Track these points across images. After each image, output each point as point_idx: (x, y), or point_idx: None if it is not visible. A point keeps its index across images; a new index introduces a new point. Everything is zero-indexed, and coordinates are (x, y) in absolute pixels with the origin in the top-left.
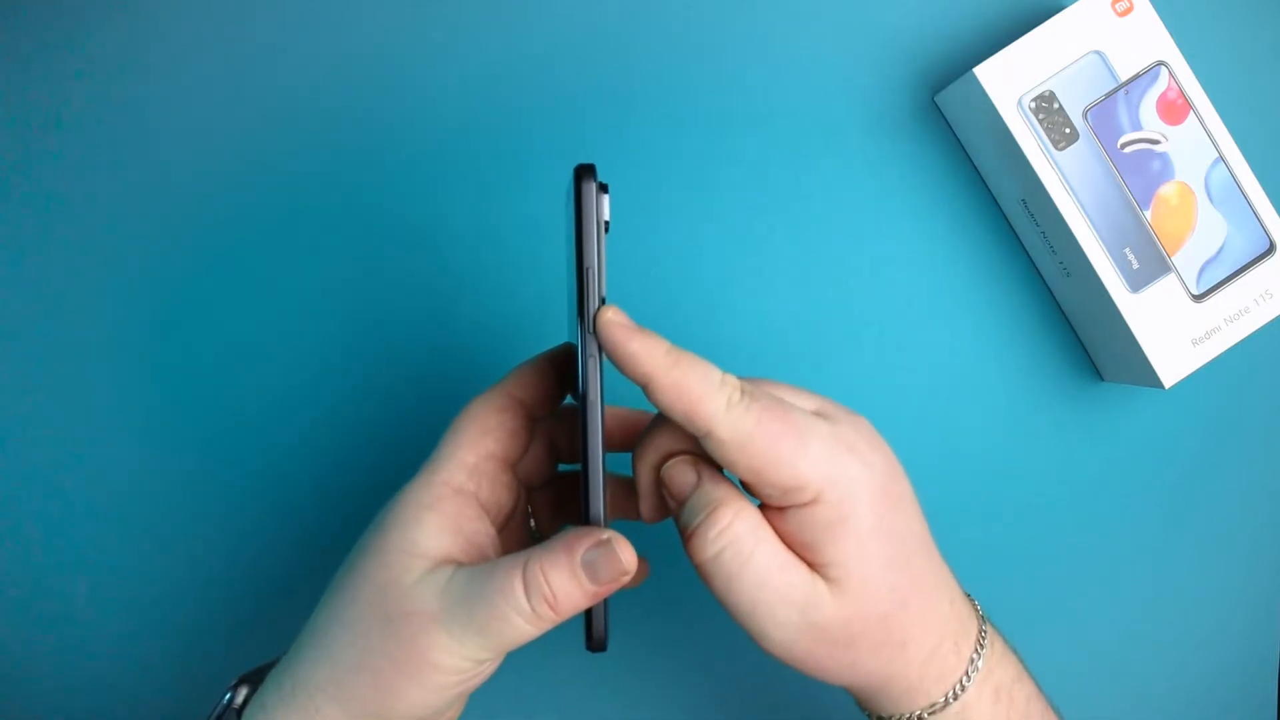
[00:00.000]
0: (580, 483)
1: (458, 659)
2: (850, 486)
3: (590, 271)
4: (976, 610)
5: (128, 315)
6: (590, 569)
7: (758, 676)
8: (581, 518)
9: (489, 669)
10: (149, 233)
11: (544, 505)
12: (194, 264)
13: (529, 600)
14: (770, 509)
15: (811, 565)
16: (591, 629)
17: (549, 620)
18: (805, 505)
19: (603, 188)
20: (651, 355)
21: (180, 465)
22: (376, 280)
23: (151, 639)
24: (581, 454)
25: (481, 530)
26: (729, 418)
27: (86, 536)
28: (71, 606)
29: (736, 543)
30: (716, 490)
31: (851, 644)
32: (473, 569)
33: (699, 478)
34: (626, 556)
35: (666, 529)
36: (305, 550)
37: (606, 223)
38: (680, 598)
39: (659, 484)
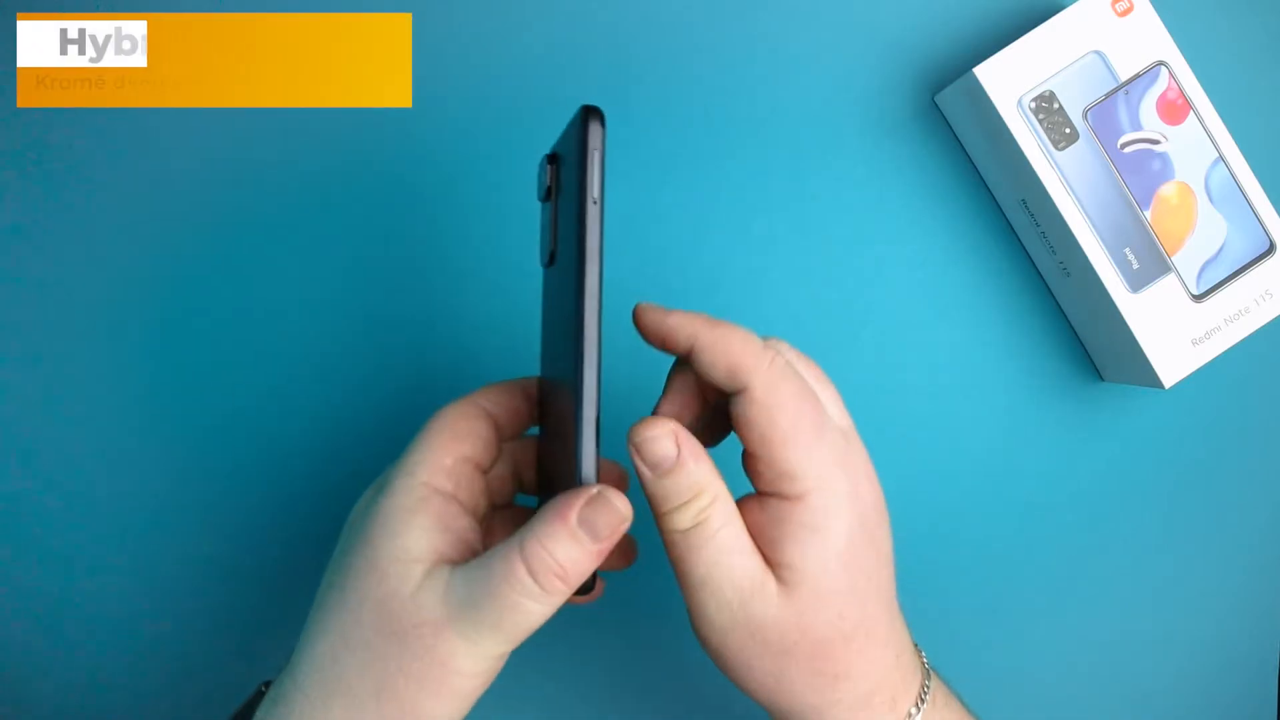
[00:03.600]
0: (567, 443)
1: (477, 660)
2: (836, 501)
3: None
4: (923, 664)
5: (126, 313)
6: (590, 527)
7: None
8: (570, 479)
9: (502, 662)
10: (147, 229)
11: (498, 529)
12: (192, 262)
13: (537, 580)
14: (752, 498)
15: (770, 563)
16: None
17: (560, 594)
18: (788, 499)
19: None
20: (691, 322)
21: (179, 462)
22: (374, 278)
23: (150, 637)
24: (574, 407)
25: (467, 526)
26: (769, 375)
27: (84, 533)
28: (70, 604)
29: (709, 520)
30: (699, 475)
31: (784, 653)
32: (467, 566)
33: (679, 452)
34: (622, 504)
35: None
36: (303, 546)
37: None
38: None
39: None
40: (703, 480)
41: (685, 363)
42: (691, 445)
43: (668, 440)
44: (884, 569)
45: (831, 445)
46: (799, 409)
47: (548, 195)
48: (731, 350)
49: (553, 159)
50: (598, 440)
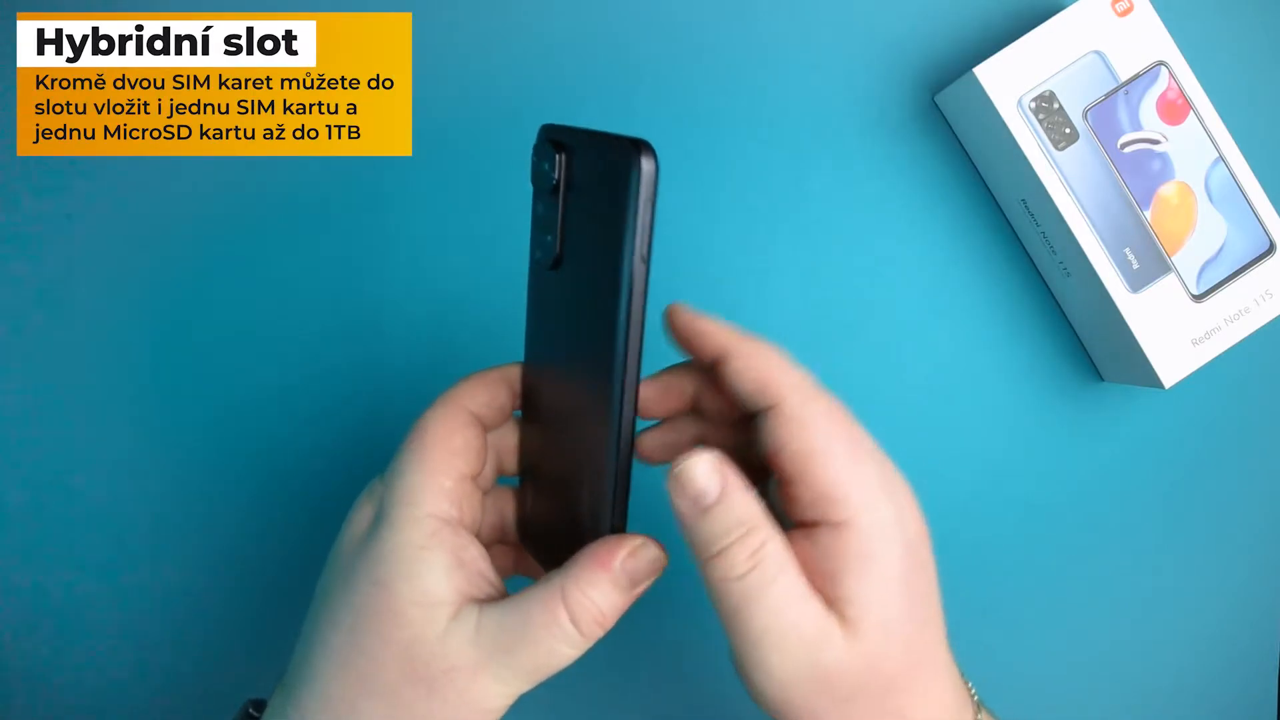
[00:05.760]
0: (591, 490)
1: (506, 699)
2: (885, 526)
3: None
4: (972, 699)
5: (127, 314)
6: (630, 575)
7: None
8: (598, 518)
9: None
10: (149, 231)
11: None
12: (193, 263)
13: (578, 627)
14: (795, 532)
15: (828, 601)
16: None
17: (596, 639)
18: (834, 526)
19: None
20: (724, 330)
21: (177, 462)
22: (375, 278)
23: (150, 636)
24: (609, 453)
25: (477, 555)
26: (802, 391)
27: (81, 533)
28: (70, 603)
29: (763, 565)
30: (750, 508)
31: (850, 700)
32: (498, 607)
33: (724, 486)
34: (661, 552)
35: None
36: (304, 546)
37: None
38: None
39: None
40: (752, 516)
41: (683, 367)
42: (736, 476)
43: (707, 469)
44: (934, 596)
45: (874, 464)
46: (835, 426)
47: (554, 190)
48: (765, 363)
49: (560, 147)
50: (629, 483)
